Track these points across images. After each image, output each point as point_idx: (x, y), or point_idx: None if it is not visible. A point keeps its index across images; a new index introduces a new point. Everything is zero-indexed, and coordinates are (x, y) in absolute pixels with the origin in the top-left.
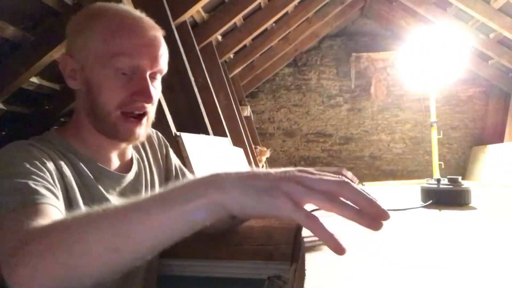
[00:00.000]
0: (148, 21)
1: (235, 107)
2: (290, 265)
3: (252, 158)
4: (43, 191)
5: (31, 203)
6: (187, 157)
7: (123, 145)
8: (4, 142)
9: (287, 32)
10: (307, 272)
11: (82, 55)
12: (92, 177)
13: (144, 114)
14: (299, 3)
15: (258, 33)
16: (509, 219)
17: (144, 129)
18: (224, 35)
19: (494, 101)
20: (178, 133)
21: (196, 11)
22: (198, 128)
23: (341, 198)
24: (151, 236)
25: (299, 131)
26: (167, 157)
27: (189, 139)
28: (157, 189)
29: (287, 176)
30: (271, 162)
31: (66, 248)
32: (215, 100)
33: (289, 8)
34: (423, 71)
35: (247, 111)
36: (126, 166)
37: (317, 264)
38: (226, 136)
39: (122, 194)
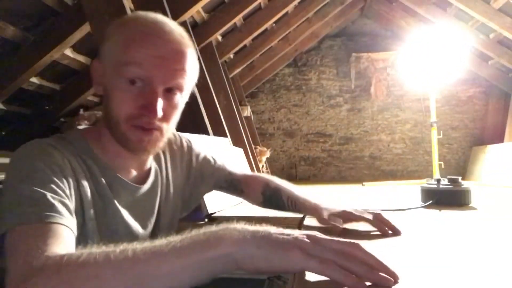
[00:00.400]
0: (174, 34)
1: (235, 107)
2: None
3: (252, 158)
4: (59, 207)
5: (46, 221)
6: None
7: (141, 156)
8: (4, 142)
9: (287, 32)
10: (307, 272)
11: (105, 61)
12: (107, 187)
13: (154, 129)
14: (299, 3)
15: (258, 33)
16: (509, 219)
17: (156, 142)
18: (224, 35)
19: (494, 101)
20: (178, 134)
21: (196, 11)
22: (198, 128)
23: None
24: (165, 281)
25: (299, 131)
26: (190, 163)
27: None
28: (172, 201)
29: (302, 234)
30: (271, 162)
31: (78, 285)
32: (215, 100)
33: (289, 8)
34: (423, 71)
35: (247, 111)
36: (143, 177)
37: None
38: (226, 136)
39: (135, 204)
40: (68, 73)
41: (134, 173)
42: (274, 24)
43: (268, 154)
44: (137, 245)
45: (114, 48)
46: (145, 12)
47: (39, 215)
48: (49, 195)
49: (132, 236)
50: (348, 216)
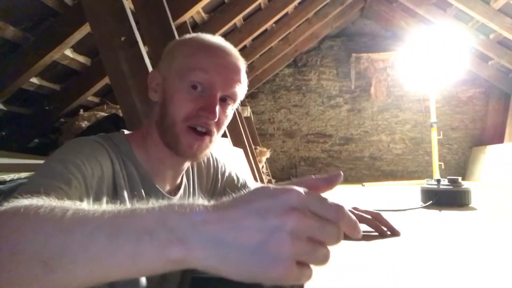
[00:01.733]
0: (232, 49)
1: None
2: None
3: (252, 158)
4: (67, 189)
5: (47, 194)
6: None
7: (182, 164)
8: (4, 142)
9: (287, 33)
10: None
11: (166, 69)
12: (143, 193)
13: (207, 133)
14: (299, 4)
15: (258, 33)
16: (509, 219)
17: (205, 149)
18: (224, 36)
19: (494, 102)
20: None
21: (196, 12)
22: None
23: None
24: (87, 266)
25: (299, 131)
26: (216, 182)
27: None
28: None
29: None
30: (271, 163)
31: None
32: None
33: (289, 8)
34: (423, 72)
35: (247, 112)
36: (175, 190)
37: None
38: (226, 136)
39: None
40: (68, 73)
41: (168, 183)
42: (274, 25)
43: (268, 155)
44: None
45: (179, 57)
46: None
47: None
48: (71, 181)
49: None
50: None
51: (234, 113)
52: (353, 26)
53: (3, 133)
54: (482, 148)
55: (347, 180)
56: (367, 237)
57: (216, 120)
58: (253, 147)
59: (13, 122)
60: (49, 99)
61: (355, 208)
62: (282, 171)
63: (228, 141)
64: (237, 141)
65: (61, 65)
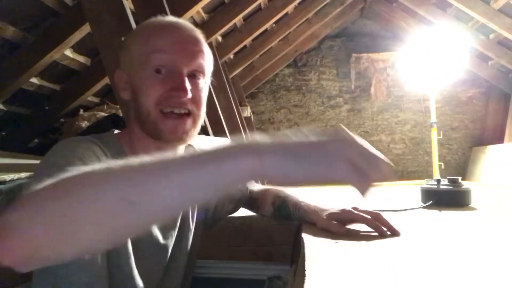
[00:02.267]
0: (186, 24)
1: (235, 107)
2: (290, 266)
3: None
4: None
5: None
6: None
7: (176, 145)
8: (4, 143)
9: (287, 33)
10: (307, 273)
11: (128, 64)
12: None
13: (186, 113)
14: (299, 4)
15: (258, 33)
16: (509, 219)
17: (190, 130)
18: (224, 36)
19: (494, 102)
20: None
21: (196, 12)
22: None
23: None
24: (172, 194)
25: None
26: None
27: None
28: (197, 214)
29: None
30: None
31: (71, 193)
32: (215, 100)
33: (289, 8)
34: (423, 72)
35: (247, 112)
36: None
37: (317, 265)
38: (226, 136)
39: None
40: (68, 73)
41: None
42: (274, 25)
43: None
44: (144, 158)
45: (134, 48)
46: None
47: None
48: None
49: (152, 245)
50: (347, 216)
51: (234, 113)
52: (353, 26)
53: (3, 133)
54: (482, 148)
55: None
56: (367, 237)
57: (189, 96)
58: None
59: (13, 122)
60: (49, 99)
61: (354, 208)
62: None
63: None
64: None
65: (61, 65)
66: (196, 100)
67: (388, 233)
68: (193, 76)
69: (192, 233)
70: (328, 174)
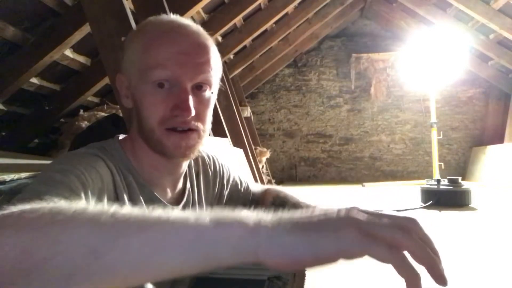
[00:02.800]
0: (191, 28)
1: (235, 108)
2: None
3: (252, 159)
4: (69, 197)
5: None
6: None
7: (177, 168)
8: (4, 143)
9: (287, 33)
10: (307, 273)
11: (128, 71)
12: (143, 203)
13: (190, 130)
14: (299, 4)
15: (258, 34)
16: (509, 219)
17: (194, 146)
18: (224, 36)
19: (494, 102)
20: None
21: (196, 12)
22: None
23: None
24: (147, 255)
25: (299, 131)
26: (223, 187)
27: None
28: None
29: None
30: (271, 163)
31: (36, 228)
32: (215, 101)
33: (289, 9)
34: (423, 72)
35: (247, 112)
36: (177, 197)
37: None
38: (226, 137)
39: None
40: (68, 73)
41: (169, 192)
42: (274, 25)
43: (268, 155)
44: (126, 208)
45: (135, 56)
46: (159, 16)
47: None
48: (72, 190)
49: None
50: None
51: (234, 113)
52: (353, 26)
53: (3, 133)
54: (482, 148)
55: (347, 180)
56: None
57: (192, 115)
58: (253, 147)
59: (13, 122)
60: (49, 99)
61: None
62: (282, 171)
63: (228, 141)
64: (237, 141)
65: (61, 65)
66: (200, 116)
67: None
68: (199, 88)
69: None
70: (338, 244)
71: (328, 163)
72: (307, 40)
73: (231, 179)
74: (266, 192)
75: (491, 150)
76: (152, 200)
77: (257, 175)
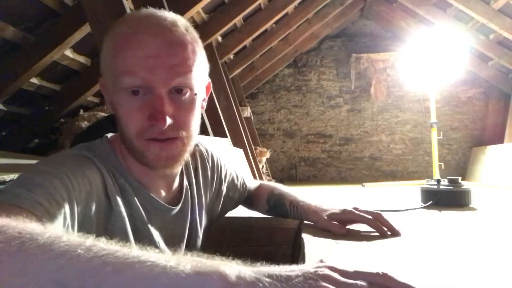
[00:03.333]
0: (162, 24)
1: (235, 108)
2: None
3: (252, 159)
4: (51, 208)
5: (20, 205)
6: None
7: (168, 174)
8: (4, 143)
9: (287, 33)
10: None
11: (105, 76)
12: (141, 208)
13: (170, 139)
14: (299, 4)
15: (258, 34)
16: (509, 219)
17: (179, 155)
18: (224, 36)
19: (494, 102)
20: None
21: (196, 12)
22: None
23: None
24: None
25: (299, 132)
26: (221, 182)
27: None
28: (202, 221)
29: (317, 268)
30: (271, 163)
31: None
32: (215, 101)
33: (289, 9)
34: (423, 72)
35: (247, 112)
36: (173, 197)
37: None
38: (226, 137)
39: (166, 227)
40: (68, 73)
41: (163, 192)
42: (274, 25)
43: (268, 155)
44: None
45: (106, 59)
46: (136, 11)
47: (17, 199)
48: (51, 195)
49: None
50: (348, 216)
51: (234, 113)
52: (353, 27)
53: (3, 133)
54: (482, 149)
55: (347, 181)
56: (367, 238)
57: (168, 124)
58: (253, 147)
59: (13, 122)
60: (49, 99)
61: (355, 209)
62: (282, 171)
63: (228, 141)
64: (237, 141)
65: (61, 65)
66: (182, 123)
67: (389, 233)
68: (179, 91)
69: (201, 240)
70: None
71: (328, 163)
72: (307, 40)
73: (228, 174)
74: (260, 188)
75: (491, 150)
76: (148, 202)
77: (257, 175)
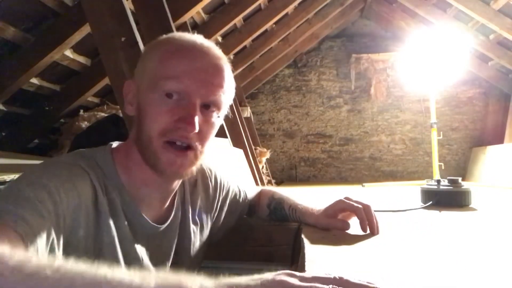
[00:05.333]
0: (213, 48)
1: (235, 108)
2: (290, 266)
3: (252, 159)
4: (34, 223)
5: (5, 224)
6: None
7: (169, 185)
8: (4, 143)
9: (287, 33)
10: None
11: (140, 77)
12: (126, 223)
13: (189, 147)
14: (299, 4)
15: (258, 34)
16: (509, 220)
17: (189, 166)
18: (224, 36)
19: (494, 102)
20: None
21: (196, 12)
22: None
23: None
24: None
25: (299, 132)
26: (224, 201)
27: None
28: (193, 241)
29: (278, 274)
30: (271, 163)
31: None
32: None
33: (289, 9)
34: (423, 72)
35: (247, 112)
36: (164, 214)
37: (317, 265)
38: (226, 137)
39: (153, 244)
40: (68, 74)
41: (156, 207)
42: (274, 25)
43: (268, 155)
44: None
45: (151, 64)
46: (181, 33)
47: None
48: (37, 209)
49: None
50: (338, 206)
51: (234, 113)
52: (353, 27)
53: (3, 133)
54: (482, 149)
55: (347, 181)
56: (367, 238)
57: (196, 131)
58: (253, 147)
59: (13, 123)
60: (49, 99)
61: (347, 198)
62: (282, 172)
63: (228, 141)
64: (237, 142)
65: (61, 65)
66: (202, 136)
67: (368, 231)
68: (207, 107)
69: (194, 257)
70: None
71: (328, 164)
72: (307, 41)
73: (230, 191)
74: (261, 194)
75: (491, 151)
76: (136, 218)
77: (257, 176)
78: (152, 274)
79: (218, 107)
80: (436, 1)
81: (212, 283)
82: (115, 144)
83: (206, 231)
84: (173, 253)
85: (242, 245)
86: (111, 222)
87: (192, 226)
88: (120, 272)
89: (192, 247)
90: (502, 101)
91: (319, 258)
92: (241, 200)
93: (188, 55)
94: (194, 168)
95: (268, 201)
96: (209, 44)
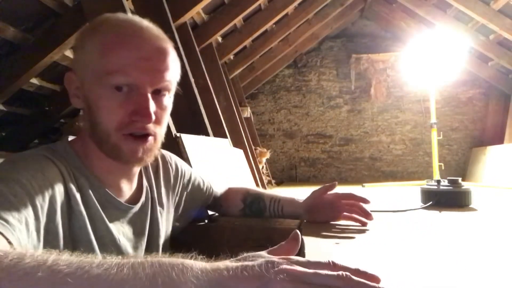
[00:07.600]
0: (151, 31)
1: (235, 108)
2: None
3: (252, 159)
4: (10, 217)
5: None
6: (188, 158)
7: (132, 170)
8: (5, 143)
9: (287, 34)
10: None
11: (82, 71)
12: (99, 206)
13: (147, 134)
14: (299, 4)
15: (258, 34)
16: (509, 220)
17: (151, 150)
18: (224, 37)
19: (494, 103)
20: (178, 134)
21: (196, 13)
22: (198, 129)
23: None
24: None
25: (299, 132)
26: (184, 186)
27: (189, 140)
28: (164, 220)
29: (278, 259)
30: (271, 164)
31: None
32: (215, 101)
33: (289, 9)
34: (423, 73)
35: (247, 112)
36: (134, 196)
37: None
38: (226, 137)
39: (126, 225)
40: None
41: (125, 191)
42: (274, 25)
43: (268, 155)
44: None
45: (91, 57)
46: (113, 13)
47: None
48: (13, 199)
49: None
50: (319, 191)
51: (234, 113)
52: (353, 27)
53: (3, 134)
54: (482, 149)
55: (347, 181)
56: (367, 238)
57: (152, 120)
58: (253, 147)
59: (13, 123)
60: (49, 99)
61: (338, 194)
62: (282, 172)
63: (228, 141)
64: (237, 142)
65: (61, 65)
66: (158, 121)
67: (360, 223)
68: (157, 92)
69: (163, 239)
70: None
71: (328, 164)
72: (307, 41)
73: (192, 179)
74: (230, 191)
75: (491, 151)
76: (107, 200)
77: (257, 176)
78: (148, 259)
79: (168, 89)
80: (436, 1)
81: (228, 262)
82: (70, 137)
83: (170, 216)
84: (146, 236)
85: (242, 245)
86: (82, 208)
87: (158, 208)
88: (115, 259)
89: (160, 231)
90: (502, 101)
91: (319, 258)
92: (205, 189)
93: (129, 45)
94: (156, 151)
95: (242, 196)
96: (148, 26)
